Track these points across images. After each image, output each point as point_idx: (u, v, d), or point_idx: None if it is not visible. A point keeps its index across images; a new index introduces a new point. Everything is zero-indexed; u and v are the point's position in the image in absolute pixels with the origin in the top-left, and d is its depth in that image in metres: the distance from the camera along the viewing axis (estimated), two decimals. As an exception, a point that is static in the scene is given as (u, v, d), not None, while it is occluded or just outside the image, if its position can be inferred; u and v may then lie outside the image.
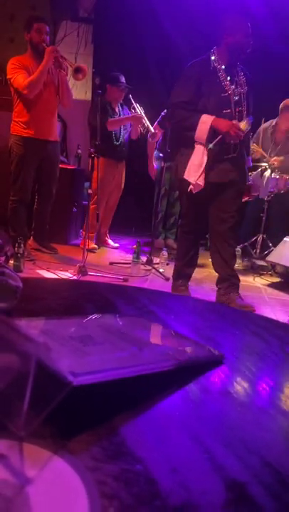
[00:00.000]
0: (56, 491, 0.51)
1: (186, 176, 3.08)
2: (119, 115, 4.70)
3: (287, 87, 4.42)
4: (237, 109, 3.06)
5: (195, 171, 3.03)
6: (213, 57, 3.06)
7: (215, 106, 2.96)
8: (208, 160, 2.96)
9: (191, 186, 3.06)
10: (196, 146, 3.06)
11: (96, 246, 4.70)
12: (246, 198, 4.23)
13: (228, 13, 3.09)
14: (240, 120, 3.01)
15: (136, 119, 4.57)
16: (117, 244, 4.97)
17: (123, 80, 4.57)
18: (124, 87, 4.48)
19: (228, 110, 3.03)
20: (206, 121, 2.82)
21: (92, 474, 0.54)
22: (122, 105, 4.68)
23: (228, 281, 3.28)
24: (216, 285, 3.40)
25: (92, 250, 4.45)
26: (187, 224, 3.34)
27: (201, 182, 3.06)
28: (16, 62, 3.82)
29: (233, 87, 3.07)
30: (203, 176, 3.03)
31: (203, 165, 2.99)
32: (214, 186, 3.10)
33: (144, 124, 4.60)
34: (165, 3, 5.39)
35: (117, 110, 4.62)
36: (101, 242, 5.05)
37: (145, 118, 4.60)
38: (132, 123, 4.68)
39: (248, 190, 3.71)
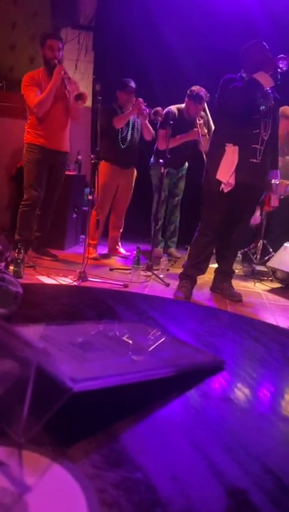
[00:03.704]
0: (55, 499, 0.50)
1: (218, 176, 3.32)
2: (134, 121, 4.66)
3: (285, 94, 4.44)
4: (265, 120, 3.30)
5: (227, 170, 3.26)
6: (244, 75, 3.31)
7: (246, 113, 3.20)
8: (237, 161, 3.22)
9: (222, 185, 3.27)
10: (226, 148, 3.26)
11: (97, 255, 4.64)
12: (266, 209, 4.33)
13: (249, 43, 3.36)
14: (265, 127, 3.26)
15: (135, 106, 4.51)
16: (128, 253, 4.88)
17: (131, 84, 4.55)
18: (130, 90, 4.47)
19: (257, 116, 3.27)
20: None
21: (92, 482, 0.53)
22: None
23: (225, 272, 3.74)
24: (214, 272, 3.83)
25: (94, 259, 4.43)
26: (207, 226, 3.47)
27: (232, 181, 3.26)
28: (29, 79, 3.98)
29: (262, 100, 3.31)
30: (234, 175, 3.25)
31: (234, 164, 3.24)
32: (239, 188, 3.29)
33: (144, 110, 4.52)
34: (165, 11, 5.42)
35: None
36: (112, 251, 4.99)
37: (141, 100, 4.52)
38: (140, 120, 4.60)
39: (268, 200, 3.97)
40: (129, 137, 4.66)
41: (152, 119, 4.59)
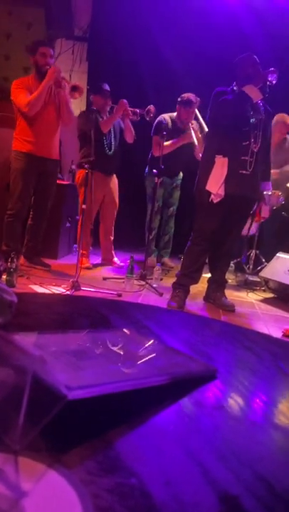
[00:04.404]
0: (51, 505, 0.51)
1: (208, 187, 3.34)
2: (113, 125, 4.66)
3: (279, 101, 4.50)
4: (254, 132, 3.35)
5: (216, 181, 3.29)
6: (235, 88, 3.34)
7: (235, 125, 3.23)
8: (227, 172, 3.24)
9: (212, 196, 3.30)
10: (216, 159, 3.30)
11: (90, 265, 4.60)
12: (257, 220, 4.33)
13: (241, 56, 3.39)
14: (255, 139, 3.30)
15: (119, 107, 4.47)
16: (122, 264, 4.83)
17: (106, 87, 4.53)
18: (107, 93, 4.46)
19: (247, 129, 3.30)
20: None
21: (87, 488, 0.54)
22: (111, 113, 4.62)
23: (218, 282, 3.68)
24: (207, 282, 3.77)
25: (87, 268, 4.41)
26: (199, 236, 3.48)
27: (222, 192, 3.29)
28: (19, 83, 3.94)
29: (252, 113, 3.34)
30: (223, 186, 3.28)
31: (224, 176, 3.26)
32: (229, 198, 3.32)
33: (129, 110, 4.49)
34: (159, 22, 5.46)
35: (105, 118, 4.58)
36: (107, 261, 4.95)
37: (125, 101, 4.49)
38: (121, 119, 4.58)
39: (258, 212, 3.98)
40: (113, 143, 4.65)
41: (149, 119, 4.59)
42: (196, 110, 4.71)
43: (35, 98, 3.83)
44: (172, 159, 4.71)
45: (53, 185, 4.25)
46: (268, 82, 3.21)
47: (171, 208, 5.13)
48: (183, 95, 4.72)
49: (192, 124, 4.63)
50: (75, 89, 3.86)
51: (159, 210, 5.02)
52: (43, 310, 1.27)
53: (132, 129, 4.58)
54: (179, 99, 4.75)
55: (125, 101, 4.42)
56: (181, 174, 5.03)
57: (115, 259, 4.94)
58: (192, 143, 4.81)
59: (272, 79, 3.18)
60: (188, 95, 4.68)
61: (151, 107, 4.57)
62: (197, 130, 4.65)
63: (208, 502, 0.54)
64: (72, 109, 4.19)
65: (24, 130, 3.98)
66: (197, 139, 4.64)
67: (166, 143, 4.49)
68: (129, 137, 4.62)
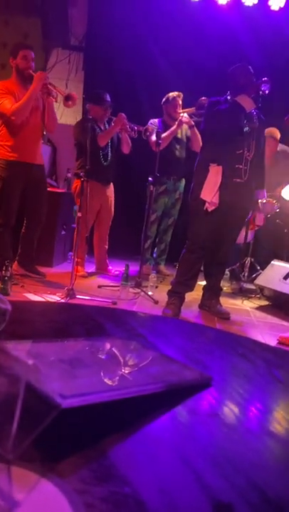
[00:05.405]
0: (44, 514, 0.51)
1: (202, 195, 3.37)
2: (110, 138, 4.69)
3: (275, 113, 4.54)
4: (248, 140, 3.39)
5: (211, 190, 3.32)
6: (229, 97, 3.40)
7: (229, 134, 3.28)
8: (221, 180, 3.28)
9: (207, 204, 3.32)
10: (210, 168, 3.33)
11: (85, 273, 4.60)
12: (252, 228, 4.37)
13: (234, 66, 3.45)
14: (248, 148, 3.34)
15: (118, 121, 4.49)
16: (117, 272, 4.84)
17: (107, 98, 4.54)
18: (107, 105, 4.47)
19: (240, 137, 3.35)
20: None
21: (81, 497, 0.54)
22: (108, 123, 4.65)
23: (213, 290, 3.69)
24: (202, 289, 3.78)
25: (82, 276, 4.40)
26: (194, 243, 3.50)
27: (216, 200, 3.32)
28: (2, 87, 3.86)
29: (245, 121, 3.38)
30: (217, 194, 3.31)
31: (218, 184, 3.29)
32: (223, 207, 3.35)
33: (127, 125, 4.53)
34: (154, 32, 5.52)
35: (103, 128, 4.60)
36: (100, 269, 4.95)
37: (124, 116, 4.54)
38: (119, 132, 4.62)
39: (252, 220, 4.02)
40: (109, 154, 4.68)
41: (146, 138, 4.65)
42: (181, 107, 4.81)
43: (22, 106, 3.77)
44: (171, 157, 4.76)
45: (44, 192, 4.22)
46: (260, 92, 3.25)
47: (172, 218, 5.15)
48: (165, 97, 4.87)
49: (182, 117, 4.72)
50: (68, 98, 3.85)
51: (157, 219, 5.05)
52: (37, 318, 1.27)
53: (129, 141, 4.62)
54: (163, 101, 4.87)
55: (124, 115, 4.45)
56: (184, 181, 5.05)
57: (109, 267, 4.94)
58: (188, 137, 4.88)
59: (265, 89, 3.22)
60: (170, 93, 4.81)
61: (150, 127, 4.62)
62: (188, 118, 4.74)
63: (202, 509, 0.54)
64: (57, 115, 4.19)
65: (7, 136, 3.91)
66: (189, 125, 4.73)
67: (163, 134, 4.56)
68: (126, 149, 4.65)
